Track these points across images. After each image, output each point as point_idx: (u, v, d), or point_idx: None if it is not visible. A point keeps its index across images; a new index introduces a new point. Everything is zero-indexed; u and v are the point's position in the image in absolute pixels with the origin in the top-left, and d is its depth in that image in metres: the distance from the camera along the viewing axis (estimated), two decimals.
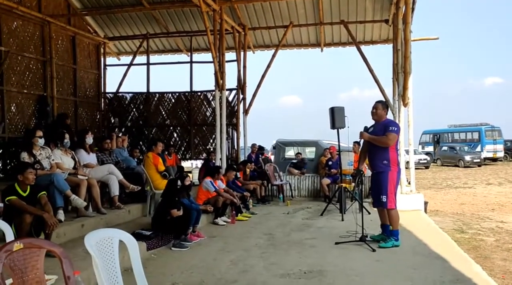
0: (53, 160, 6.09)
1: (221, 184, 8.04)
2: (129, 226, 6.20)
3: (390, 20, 10.80)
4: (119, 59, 14.33)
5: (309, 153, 13.63)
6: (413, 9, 9.37)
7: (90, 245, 2.55)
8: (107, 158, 7.58)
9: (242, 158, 12.25)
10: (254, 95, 12.52)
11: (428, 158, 29.17)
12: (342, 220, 7.83)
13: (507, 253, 7.09)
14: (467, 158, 28.12)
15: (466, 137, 33.17)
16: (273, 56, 12.48)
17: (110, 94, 13.15)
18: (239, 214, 8.17)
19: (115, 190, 6.84)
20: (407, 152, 9.69)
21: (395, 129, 5.76)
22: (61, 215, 5.55)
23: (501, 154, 31.13)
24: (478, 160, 28.32)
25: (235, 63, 12.22)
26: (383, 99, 9.24)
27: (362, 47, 11.97)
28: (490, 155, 30.34)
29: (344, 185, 8.52)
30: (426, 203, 9.51)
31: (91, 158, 7.07)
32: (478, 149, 30.50)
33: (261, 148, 12.18)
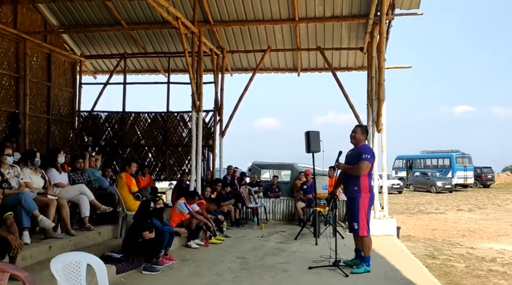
0: (22, 179, 5.91)
1: (195, 206, 7.94)
2: (99, 248, 6.04)
3: (365, 48, 11.09)
4: (95, 78, 14.21)
5: (285, 176, 13.65)
6: (387, 38, 9.67)
7: (56, 270, 2.46)
8: (78, 178, 7.41)
9: None
10: (231, 117, 12.55)
11: (401, 183, 29.64)
12: (316, 244, 7.82)
13: (477, 279, 7.19)
14: (439, 184, 28.71)
15: (437, 163, 33.92)
16: (251, 79, 12.59)
17: (84, 113, 12.96)
18: (212, 237, 8.06)
19: (86, 211, 6.67)
20: (380, 177, 9.82)
21: (369, 157, 5.79)
22: (26, 237, 5.32)
23: (471, 181, 31.90)
24: (449, 186, 28.93)
25: (213, 85, 12.27)
26: (360, 124, 9.37)
27: (338, 73, 12.23)
28: (461, 181, 31.05)
29: (318, 209, 8.54)
30: (398, 228, 9.61)
31: (63, 177, 6.91)
32: (449, 175, 31.20)
33: (243, 174, 12.09)
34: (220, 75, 12.33)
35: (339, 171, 6.33)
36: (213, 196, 9.61)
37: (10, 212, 4.71)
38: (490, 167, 34.83)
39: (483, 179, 33.47)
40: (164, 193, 12.14)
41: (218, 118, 12.41)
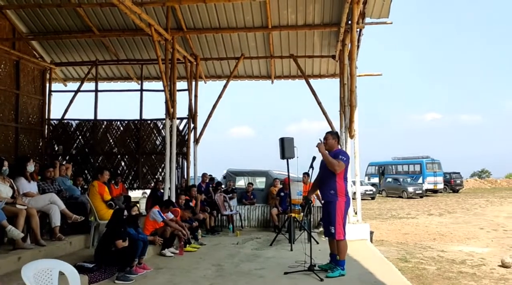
0: None
1: (169, 214, 7.85)
2: (71, 259, 5.88)
3: (337, 56, 11.29)
4: (65, 85, 13.94)
5: (260, 183, 13.67)
6: (358, 47, 9.89)
7: (27, 277, 2.40)
8: (49, 187, 7.24)
9: None
10: (205, 125, 12.51)
11: (374, 189, 30.08)
12: (291, 250, 7.86)
13: (447, 281, 7.36)
14: (410, 189, 29.27)
15: (408, 169, 34.61)
16: (225, 86, 12.60)
17: (54, 121, 12.69)
18: (187, 245, 7.98)
19: (57, 221, 6.50)
20: (353, 183, 9.95)
21: (344, 159, 5.90)
22: None
23: (441, 186, 32.66)
24: (420, 192, 29.54)
25: (187, 92, 12.22)
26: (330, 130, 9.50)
27: (311, 81, 12.41)
28: (431, 186, 31.76)
29: (293, 215, 8.58)
30: (372, 233, 9.75)
31: (32, 186, 6.72)
32: (420, 181, 31.87)
33: (218, 184, 12.03)
34: (194, 83, 12.30)
35: (313, 176, 6.39)
36: (191, 203, 9.52)
37: None
38: (459, 173, 35.78)
39: (452, 184, 34.33)
40: (137, 202, 11.96)
41: (192, 125, 12.35)
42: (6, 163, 6.24)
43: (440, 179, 32.50)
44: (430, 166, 32.42)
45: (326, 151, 5.91)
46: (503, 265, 8.35)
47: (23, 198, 6.33)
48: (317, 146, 5.90)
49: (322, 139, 6.09)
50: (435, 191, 32.18)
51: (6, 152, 10.39)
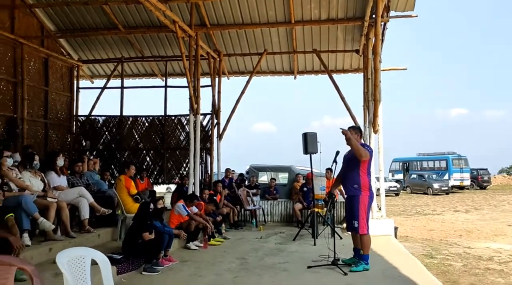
0: (22, 181, 5.94)
1: (194, 208, 7.97)
2: (99, 250, 6.04)
3: (361, 50, 11.18)
4: (92, 82, 14.24)
5: (282, 178, 13.69)
6: (382, 40, 9.77)
7: (62, 264, 2.50)
8: (77, 181, 7.43)
9: None
10: (228, 120, 12.60)
11: (398, 186, 29.70)
12: (314, 244, 7.87)
13: (474, 277, 7.24)
14: (436, 186, 28.79)
15: (434, 165, 34.01)
16: (248, 82, 12.65)
17: (82, 117, 12.99)
18: (211, 239, 8.09)
19: (85, 213, 6.70)
20: (377, 179, 9.89)
21: (369, 150, 5.92)
22: (26, 239, 5.35)
23: (467, 183, 32.00)
24: (446, 188, 29.01)
25: (210, 88, 12.32)
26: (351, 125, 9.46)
27: (334, 76, 12.31)
28: (457, 183, 31.15)
29: (316, 210, 8.59)
30: (396, 228, 9.67)
31: (62, 180, 6.94)
32: (446, 177, 31.29)
33: (242, 181, 12.13)
34: (217, 79, 12.39)
35: (337, 172, 6.39)
36: (216, 198, 9.63)
37: (11, 214, 4.76)
38: (486, 169, 34.96)
39: (479, 181, 33.58)
40: (162, 197, 12.15)
41: (215, 121, 12.46)
42: (37, 157, 6.46)
43: (466, 175, 31.84)
44: (457, 162, 31.79)
45: (351, 136, 5.78)
46: None
47: (53, 192, 6.54)
48: (342, 132, 5.77)
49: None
50: (461, 188, 31.55)
51: (36, 147, 10.65)
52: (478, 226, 13.51)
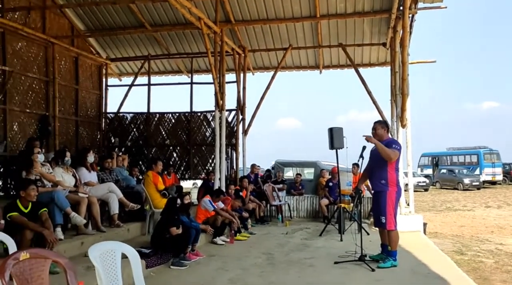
0: (53, 176, 6.13)
1: (220, 204, 8.05)
2: (129, 244, 6.17)
3: (388, 43, 11.00)
4: (120, 80, 14.51)
5: (308, 174, 13.66)
6: (410, 33, 9.59)
7: (94, 257, 2.58)
8: (107, 177, 7.61)
9: None
10: (253, 116, 12.63)
11: (427, 181, 29.14)
12: (341, 240, 7.82)
13: (506, 275, 7.06)
14: (466, 181, 28.12)
15: (464, 160, 33.19)
16: (273, 77, 12.64)
17: (111, 114, 13.26)
18: (237, 234, 8.15)
19: (115, 209, 6.85)
20: (405, 174, 9.73)
21: (398, 147, 5.81)
22: (59, 233, 5.54)
23: (500, 177, 31.12)
24: (477, 183, 28.29)
25: (235, 84, 12.37)
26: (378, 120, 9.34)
27: (360, 70, 12.17)
28: (489, 178, 30.33)
29: (343, 205, 8.53)
30: (425, 224, 9.51)
31: (92, 176, 7.11)
32: (477, 172, 30.51)
33: (269, 177, 12.19)
34: (242, 74, 12.42)
35: (363, 167, 6.33)
36: (242, 193, 9.69)
37: (45, 209, 4.91)
38: None
39: None
40: (188, 193, 12.30)
41: (241, 117, 12.51)
42: (68, 154, 6.65)
43: (499, 170, 30.95)
44: (488, 156, 30.94)
45: (377, 140, 5.79)
46: None
47: (84, 187, 6.72)
48: (366, 139, 5.80)
49: (371, 130, 6.02)
50: (493, 183, 30.71)
51: (68, 144, 10.98)
52: (511, 222, 13.13)
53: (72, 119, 11.56)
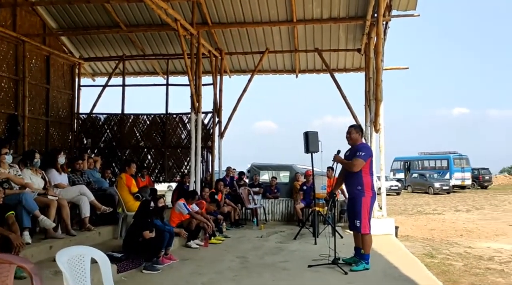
0: (21, 178, 5.95)
1: (195, 207, 7.97)
2: (100, 248, 5.96)
3: (362, 50, 11.17)
4: (93, 80, 14.25)
5: (283, 177, 13.69)
6: (384, 40, 9.73)
7: (62, 262, 2.50)
8: (78, 179, 7.44)
9: None
10: (229, 119, 12.59)
11: (399, 185, 29.70)
12: (315, 243, 7.86)
13: (474, 277, 7.25)
14: (437, 185, 28.77)
15: (435, 164, 33.98)
16: (249, 81, 12.63)
17: (83, 115, 13.00)
18: (212, 237, 8.09)
19: (86, 212, 6.70)
20: (378, 178, 9.85)
21: (363, 154, 5.83)
22: (27, 236, 5.34)
23: (469, 182, 31.97)
24: (447, 188, 28.99)
25: (211, 86, 12.32)
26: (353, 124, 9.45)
27: (336, 75, 12.30)
28: (459, 182, 31.12)
29: (317, 209, 8.58)
30: (396, 227, 9.66)
31: (62, 178, 6.94)
32: (447, 176, 31.27)
33: (241, 173, 12.18)
34: (218, 77, 12.38)
35: (338, 171, 6.38)
36: (217, 197, 9.63)
37: (12, 212, 4.76)
38: (487, 169, 34.92)
39: (480, 181, 33.55)
40: (163, 195, 12.15)
41: (217, 119, 12.45)
42: (37, 155, 6.47)
43: (468, 175, 31.80)
44: (458, 161, 31.76)
45: (342, 158, 6.04)
46: None
47: (54, 189, 6.55)
48: (333, 160, 6.09)
49: (346, 133, 6.10)
50: (462, 187, 31.53)
51: (38, 145, 10.72)
52: (479, 225, 13.50)
53: (42, 119, 11.26)
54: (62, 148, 11.18)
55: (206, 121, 12.36)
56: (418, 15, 9.52)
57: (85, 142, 12.78)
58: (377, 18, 8.62)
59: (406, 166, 35.99)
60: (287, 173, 13.29)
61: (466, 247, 10.02)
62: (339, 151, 6.17)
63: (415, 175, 32.28)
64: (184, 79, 13.39)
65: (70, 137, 12.53)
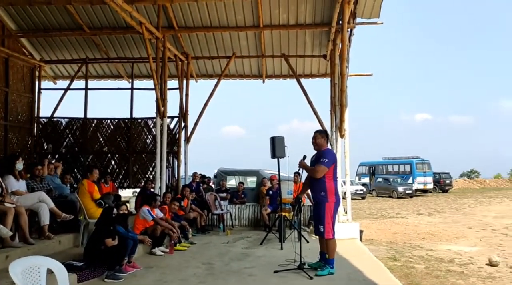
0: None
1: (159, 213, 7.84)
2: (60, 257, 5.83)
3: (328, 56, 11.34)
4: (55, 83, 13.86)
5: (250, 182, 13.68)
6: (349, 46, 9.92)
7: (15, 274, 2.38)
8: (37, 185, 7.18)
9: None
10: (196, 124, 12.51)
11: (364, 189, 30.23)
12: (281, 248, 7.87)
13: (436, 279, 7.42)
14: (400, 189, 29.48)
15: (399, 169, 34.84)
16: (216, 85, 12.60)
17: (44, 119, 12.59)
18: (177, 244, 7.97)
19: (45, 219, 6.46)
20: (344, 182, 10.00)
21: (326, 161, 5.86)
22: None
23: (430, 186, 32.93)
24: (410, 192, 29.75)
25: (178, 91, 12.20)
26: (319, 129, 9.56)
27: (302, 80, 12.43)
28: (421, 186, 32.01)
29: (283, 214, 8.60)
30: (361, 231, 9.80)
31: (21, 185, 6.67)
32: (410, 180, 32.10)
33: (203, 176, 12.08)
34: (185, 81, 12.28)
35: (304, 176, 6.42)
36: (183, 202, 9.50)
37: None
38: (448, 173, 36.10)
39: (441, 184, 34.63)
40: (127, 201, 11.92)
41: (183, 124, 12.33)
42: None
43: (429, 179, 32.77)
44: (420, 166, 32.67)
45: (306, 164, 6.09)
46: (491, 264, 8.45)
47: (11, 196, 6.28)
48: (298, 166, 6.15)
49: (311, 138, 6.15)
50: (425, 191, 32.43)
51: None
52: (440, 228, 13.88)
53: (0, 124, 10.84)
54: (21, 153, 10.79)
55: (172, 126, 12.20)
56: (382, 23, 9.76)
57: (45, 147, 12.37)
58: (342, 25, 8.77)
59: (371, 171, 36.72)
60: (254, 178, 13.29)
61: (428, 249, 10.26)
62: (305, 157, 6.22)
63: (379, 179, 32.97)
64: (149, 83, 13.25)
65: (30, 142, 12.11)
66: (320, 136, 6.15)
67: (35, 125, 12.34)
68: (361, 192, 29.32)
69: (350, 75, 10.96)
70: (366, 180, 35.88)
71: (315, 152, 6.22)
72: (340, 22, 9.17)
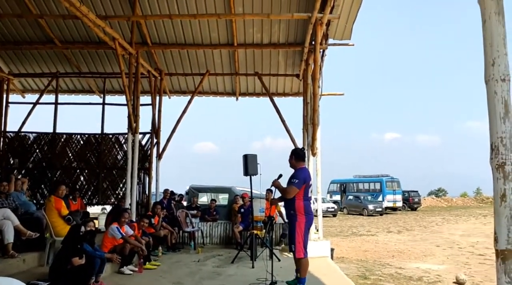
0: None
1: (129, 230, 7.69)
2: (24, 277, 5.65)
3: (301, 75, 11.52)
4: (23, 97, 13.52)
5: (222, 199, 13.60)
6: (321, 67, 10.11)
7: None
8: (2, 202, 6.94)
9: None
10: (168, 140, 12.38)
11: (336, 207, 30.50)
12: (253, 267, 7.82)
13: None
14: (370, 207, 29.88)
15: (369, 187, 35.35)
16: (189, 102, 12.57)
17: (11, 133, 12.23)
18: (147, 263, 7.81)
19: (10, 237, 6.26)
20: (315, 200, 10.05)
21: (296, 181, 5.84)
22: None
23: (400, 204, 33.52)
24: (380, 209, 30.19)
25: (150, 107, 12.10)
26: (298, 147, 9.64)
27: (275, 98, 12.56)
28: (391, 204, 32.54)
29: (255, 231, 8.57)
30: (332, 249, 9.86)
31: None
32: (380, 198, 32.59)
33: (172, 193, 11.93)
34: (158, 97, 12.19)
35: (277, 194, 6.44)
36: (153, 221, 9.35)
37: None
38: (417, 191, 36.85)
39: (410, 203, 35.29)
40: (96, 218, 11.63)
41: (155, 140, 12.20)
42: None
43: (399, 197, 33.37)
44: (390, 184, 33.26)
45: (279, 184, 6.09)
46: (457, 282, 8.63)
47: None
48: (271, 184, 6.15)
49: (288, 156, 6.20)
50: (394, 209, 32.95)
51: None
52: (409, 246, 14.12)
53: None
54: None
55: (143, 142, 12.06)
56: (353, 45, 10.01)
57: (11, 162, 11.99)
58: (315, 46, 8.94)
59: (342, 188, 37.12)
60: (226, 195, 13.22)
61: (397, 267, 10.41)
62: (280, 175, 6.23)
63: (350, 197, 33.35)
64: (121, 99, 13.07)
65: None
66: (294, 157, 6.15)
67: (1, 139, 11.98)
68: (332, 209, 29.56)
69: (323, 95, 11.13)
70: (337, 197, 36.21)
71: (288, 169, 6.27)
72: (313, 43, 9.35)
